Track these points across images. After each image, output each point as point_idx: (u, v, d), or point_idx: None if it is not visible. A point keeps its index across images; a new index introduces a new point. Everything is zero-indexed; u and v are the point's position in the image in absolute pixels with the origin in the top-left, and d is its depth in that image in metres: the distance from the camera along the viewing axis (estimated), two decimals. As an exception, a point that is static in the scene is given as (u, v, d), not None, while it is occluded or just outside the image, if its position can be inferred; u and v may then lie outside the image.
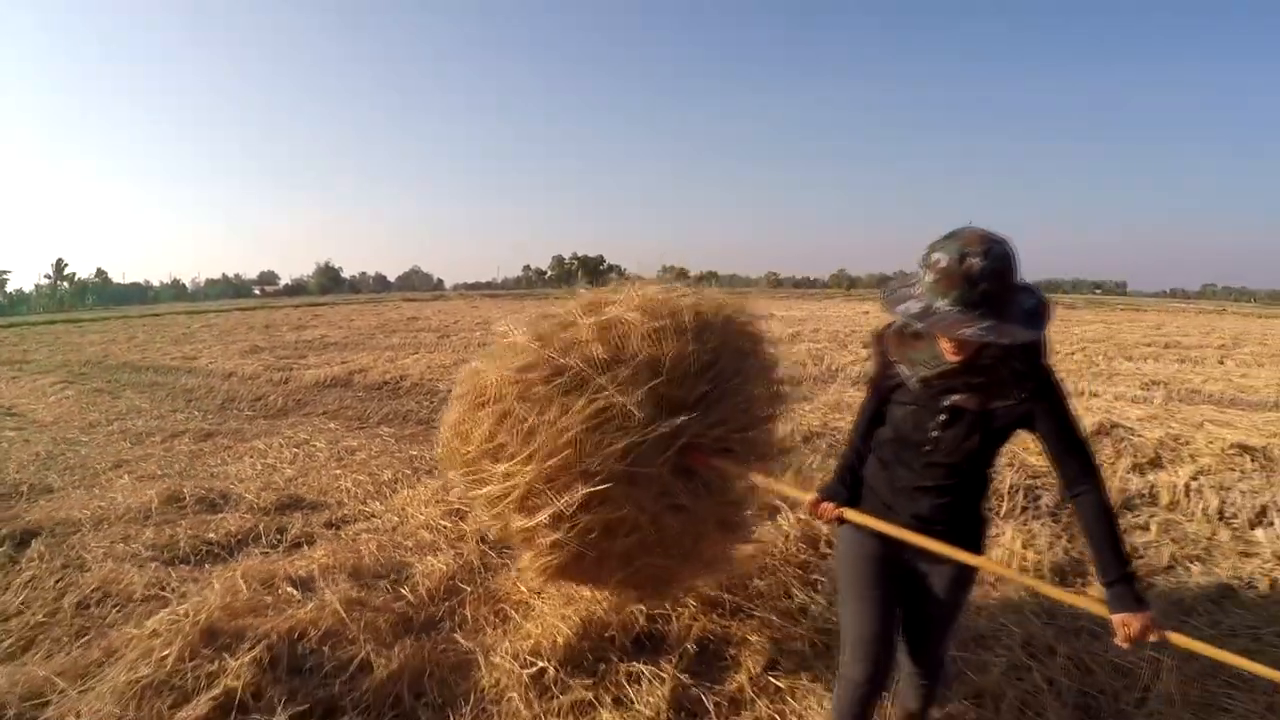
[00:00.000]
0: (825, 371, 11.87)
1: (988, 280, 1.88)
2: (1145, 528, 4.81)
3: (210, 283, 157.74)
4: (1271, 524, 4.85)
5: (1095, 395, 9.51)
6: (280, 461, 7.09)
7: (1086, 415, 7.09)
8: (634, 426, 2.70)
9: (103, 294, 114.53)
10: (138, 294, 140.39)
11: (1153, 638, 1.94)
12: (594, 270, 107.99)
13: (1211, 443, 6.29)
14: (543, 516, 2.73)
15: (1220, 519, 4.96)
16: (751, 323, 3.38)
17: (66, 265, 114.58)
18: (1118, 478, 5.59)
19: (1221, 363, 13.65)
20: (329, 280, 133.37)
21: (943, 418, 2.14)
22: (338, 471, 6.55)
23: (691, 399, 2.86)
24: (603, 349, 2.82)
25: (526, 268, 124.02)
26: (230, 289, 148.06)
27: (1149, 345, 16.68)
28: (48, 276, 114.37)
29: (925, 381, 2.14)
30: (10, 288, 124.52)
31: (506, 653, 3.29)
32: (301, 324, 27.70)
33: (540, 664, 3.20)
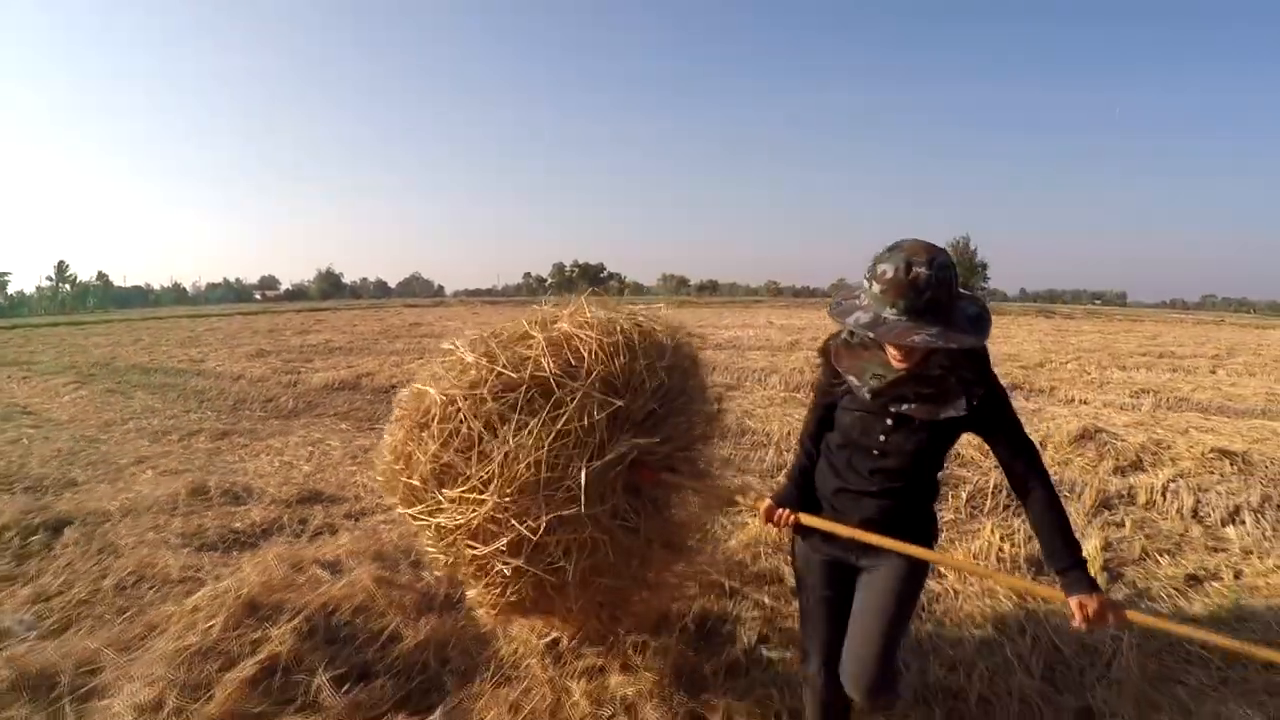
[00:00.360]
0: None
1: (933, 289, 1.96)
2: (1120, 524, 5.03)
3: (211, 286, 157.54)
4: (1243, 522, 5.07)
5: (1085, 403, 9.78)
6: (297, 459, 7.34)
7: (1071, 421, 7.36)
8: (593, 445, 2.65)
9: (104, 297, 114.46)
10: (139, 297, 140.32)
11: (1110, 617, 2.00)
12: (594, 278, 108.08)
13: (1192, 447, 6.56)
14: (501, 544, 2.61)
15: (1194, 517, 5.19)
16: (691, 343, 3.35)
17: (68, 268, 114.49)
18: (1098, 479, 5.83)
19: (1213, 372, 13.83)
20: (330, 285, 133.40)
21: (890, 423, 2.21)
22: (353, 468, 6.83)
23: (640, 416, 2.83)
24: (556, 365, 2.74)
25: (527, 275, 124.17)
26: (231, 293, 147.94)
27: (1143, 355, 16.91)
28: (49, 279, 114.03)
29: (875, 392, 2.21)
30: (11, 289, 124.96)
31: (522, 625, 3.50)
32: (305, 329, 27.68)
33: (554, 634, 3.44)
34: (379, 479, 3.06)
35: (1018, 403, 9.07)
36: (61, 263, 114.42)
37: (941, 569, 4.06)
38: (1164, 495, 5.53)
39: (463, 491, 2.62)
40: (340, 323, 32.92)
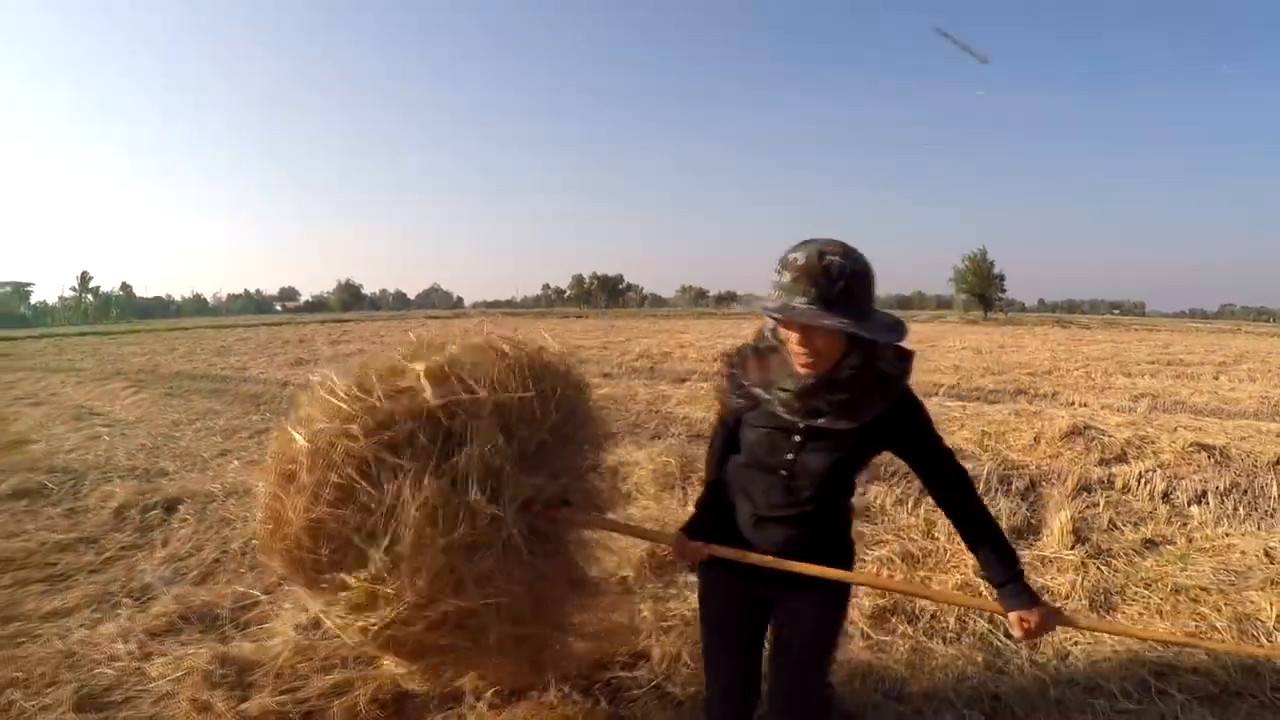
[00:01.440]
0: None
1: (847, 279, 1.84)
2: (1095, 504, 5.66)
3: (232, 298, 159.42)
4: (1208, 503, 5.68)
5: (1084, 405, 10.28)
6: None
7: (1065, 418, 8.01)
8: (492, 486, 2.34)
9: (126, 307, 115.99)
10: (160, 308, 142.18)
11: (1051, 629, 2.03)
12: (613, 289, 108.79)
13: (1174, 442, 7.19)
14: (428, 622, 2.30)
15: (1164, 499, 5.79)
16: (576, 367, 3.04)
17: (91, 278, 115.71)
18: (1081, 468, 6.48)
19: (1216, 378, 14.23)
20: (350, 297, 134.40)
21: (798, 439, 2.07)
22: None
23: (533, 448, 2.54)
24: (441, 395, 2.41)
25: (546, 287, 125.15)
26: (252, 304, 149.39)
27: (1151, 362, 17.43)
28: (73, 289, 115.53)
29: (785, 403, 2.05)
30: (34, 300, 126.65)
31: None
32: (335, 339, 28.69)
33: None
34: (257, 542, 2.63)
35: (1019, 405, 9.77)
36: (85, 273, 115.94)
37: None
38: (1140, 481, 6.13)
39: (368, 574, 2.26)
40: (367, 333, 33.80)
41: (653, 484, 5.99)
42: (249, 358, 20.72)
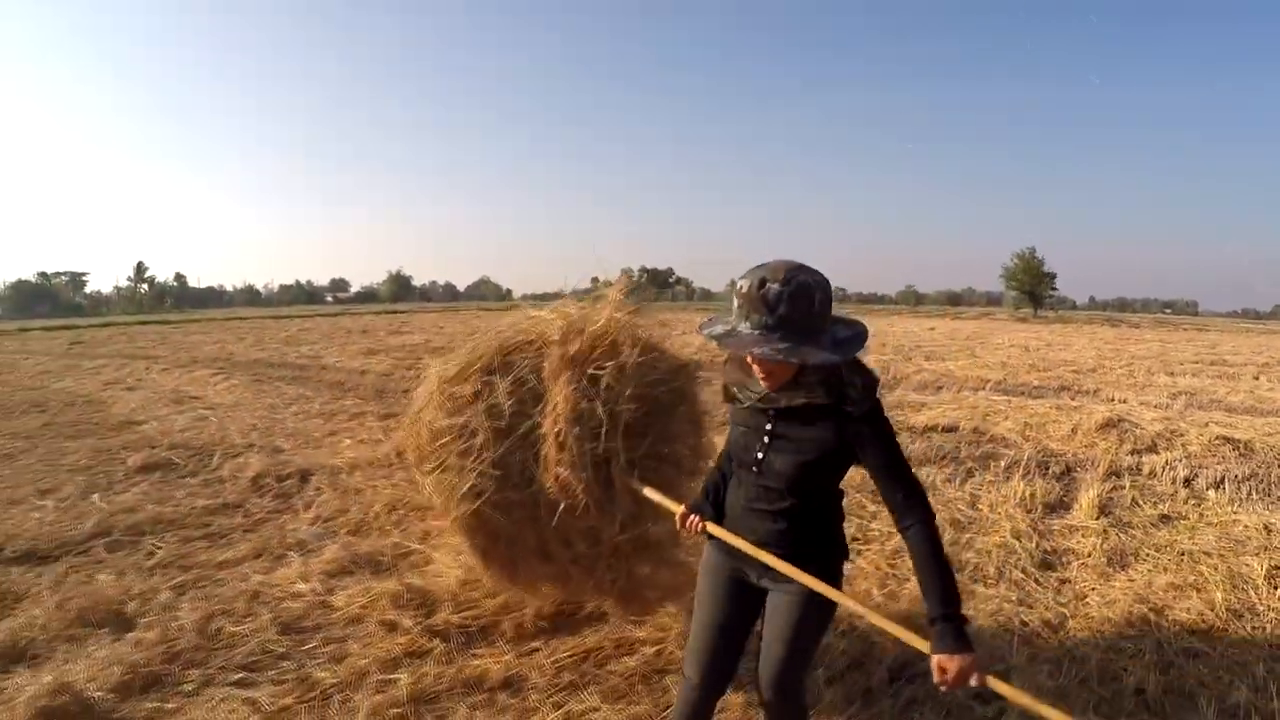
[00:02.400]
0: (890, 379, 13.22)
1: (785, 305, 1.96)
2: (1122, 486, 6.27)
3: (283, 288, 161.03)
4: (1224, 489, 6.28)
5: (1123, 402, 10.81)
6: None
7: (1101, 412, 8.63)
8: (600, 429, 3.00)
9: (180, 297, 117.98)
10: (213, 298, 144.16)
11: (972, 682, 1.88)
12: (662, 283, 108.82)
13: (1201, 435, 7.82)
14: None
15: (1185, 485, 6.39)
16: (692, 370, 3.53)
17: (147, 269, 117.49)
18: (1113, 456, 7.15)
19: (1256, 378, 14.46)
20: (400, 288, 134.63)
21: (765, 441, 2.21)
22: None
23: (630, 419, 3.08)
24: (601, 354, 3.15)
25: (595, 280, 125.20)
26: (303, 294, 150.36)
27: (1195, 362, 17.67)
28: (129, 279, 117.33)
29: (753, 408, 2.23)
30: (88, 289, 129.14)
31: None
32: (395, 330, 29.36)
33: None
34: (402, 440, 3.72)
35: (1061, 400, 10.33)
36: (140, 264, 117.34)
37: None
38: (1165, 468, 6.75)
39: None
40: (425, 324, 34.60)
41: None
42: (320, 346, 21.47)
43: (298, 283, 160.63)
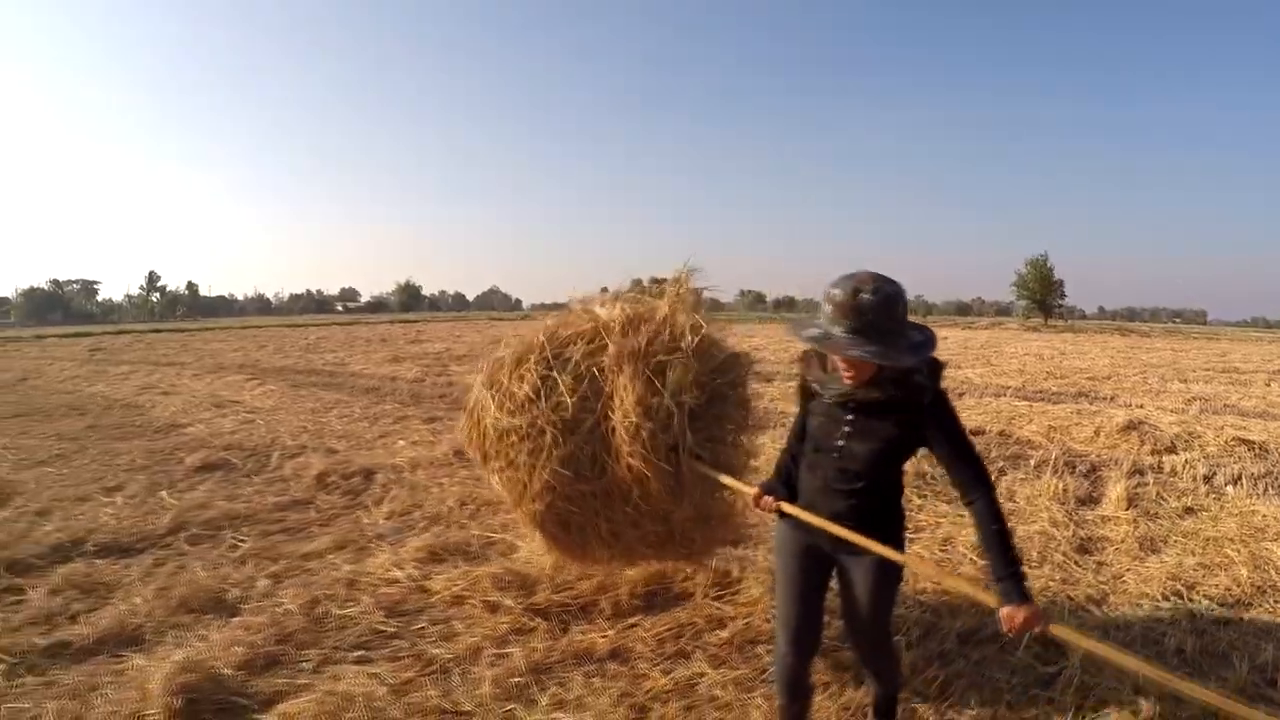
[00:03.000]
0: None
1: (874, 312, 2.22)
2: (1146, 483, 6.59)
3: (294, 297, 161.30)
4: (1242, 485, 6.57)
5: (1140, 407, 11.06)
6: None
7: (1122, 415, 8.94)
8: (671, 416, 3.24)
9: (192, 305, 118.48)
10: (224, 306, 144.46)
11: (1036, 630, 2.18)
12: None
13: (1218, 437, 8.12)
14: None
15: (1205, 481, 6.70)
16: (747, 361, 3.90)
17: (159, 277, 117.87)
18: (1135, 456, 7.50)
19: (1267, 385, 14.68)
20: (410, 298, 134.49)
21: (847, 430, 2.48)
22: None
23: (693, 405, 3.34)
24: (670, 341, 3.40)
25: (604, 289, 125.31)
26: (313, 304, 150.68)
27: (1207, 369, 17.88)
28: (141, 288, 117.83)
29: (834, 399, 2.50)
30: (100, 297, 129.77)
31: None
32: (413, 339, 29.75)
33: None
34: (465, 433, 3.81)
35: (1080, 406, 10.62)
36: (152, 272, 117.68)
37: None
38: (1185, 466, 7.08)
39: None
40: (441, 333, 35.03)
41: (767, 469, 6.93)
42: (343, 354, 21.83)
43: (308, 292, 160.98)
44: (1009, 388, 13.39)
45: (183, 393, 14.00)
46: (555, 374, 3.36)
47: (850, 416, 2.47)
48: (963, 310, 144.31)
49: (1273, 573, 4.54)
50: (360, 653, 3.71)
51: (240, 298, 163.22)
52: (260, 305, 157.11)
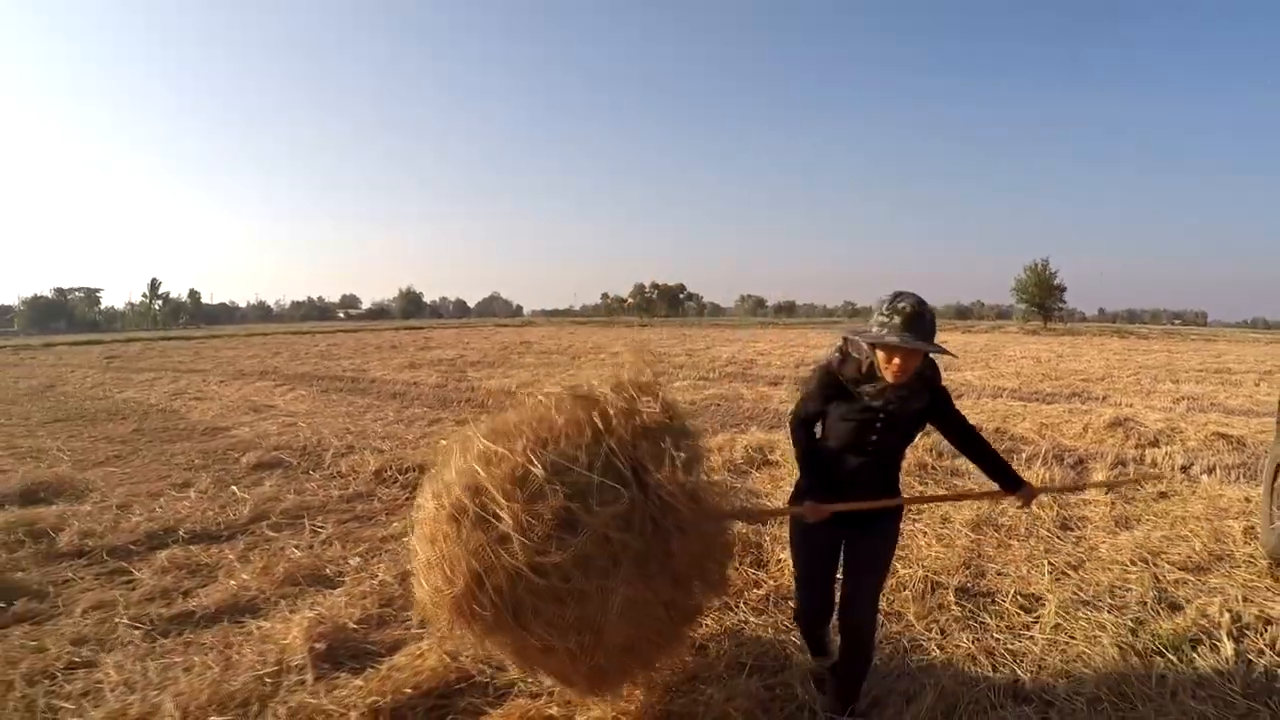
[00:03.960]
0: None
1: (930, 321, 2.75)
2: (1127, 472, 7.30)
3: (295, 305, 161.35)
4: (1216, 473, 7.23)
5: (1130, 406, 11.75)
6: None
7: (1109, 413, 9.63)
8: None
9: (194, 313, 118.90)
10: (226, 314, 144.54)
11: (1042, 497, 3.43)
12: (673, 299, 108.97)
13: (1200, 432, 8.80)
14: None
15: (1182, 470, 7.36)
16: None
17: (161, 285, 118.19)
18: (1119, 449, 8.23)
19: (1256, 385, 15.26)
20: (411, 305, 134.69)
21: (879, 425, 2.93)
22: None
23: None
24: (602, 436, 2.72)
25: (605, 296, 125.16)
26: (314, 311, 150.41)
27: (1200, 370, 18.55)
28: (144, 295, 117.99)
29: (872, 397, 2.89)
30: (103, 305, 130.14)
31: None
32: (423, 345, 30.31)
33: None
34: (418, 596, 2.82)
35: (1072, 405, 11.35)
36: (155, 280, 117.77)
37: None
38: (1165, 457, 7.76)
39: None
40: (449, 339, 35.79)
41: (787, 462, 7.53)
42: (358, 361, 22.49)
43: (309, 299, 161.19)
44: (1006, 389, 14.06)
45: (214, 398, 14.59)
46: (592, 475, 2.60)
47: (882, 415, 2.91)
48: (963, 314, 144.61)
49: (1230, 544, 5.20)
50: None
51: (242, 305, 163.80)
52: (261, 312, 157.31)
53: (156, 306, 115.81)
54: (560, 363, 20.71)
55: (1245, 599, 4.30)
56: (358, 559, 5.28)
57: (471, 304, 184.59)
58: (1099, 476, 6.95)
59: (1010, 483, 3.10)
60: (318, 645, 3.83)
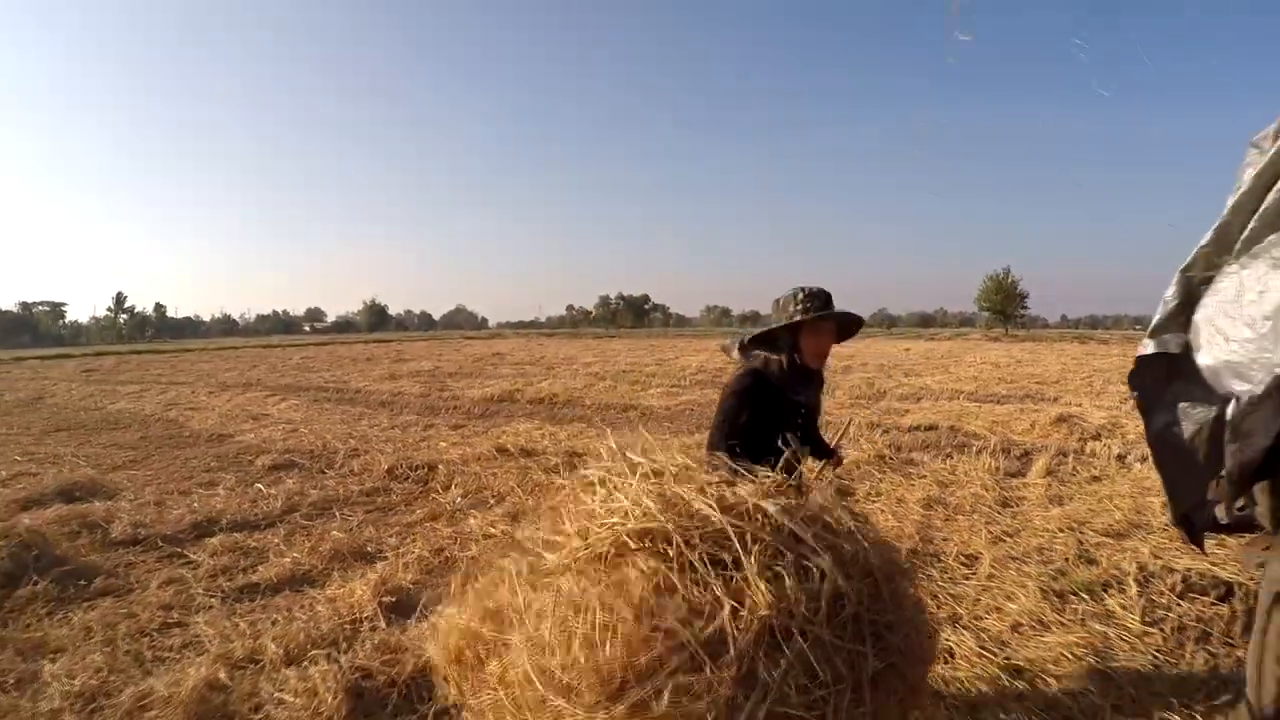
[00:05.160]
0: (876, 392, 15.14)
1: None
2: (1067, 461, 8.04)
3: (260, 318, 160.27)
4: (1148, 461, 7.82)
5: (1078, 405, 12.53)
6: (534, 432, 10.37)
7: (1055, 410, 10.50)
8: None
9: (160, 327, 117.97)
10: (191, 327, 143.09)
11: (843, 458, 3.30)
12: (639, 310, 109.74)
13: (1139, 426, 9.59)
14: None
15: (1118, 460, 8.12)
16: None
17: (126, 298, 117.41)
18: (1062, 442, 9.06)
19: None
20: (376, 318, 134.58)
21: (801, 420, 3.03)
22: (571, 430, 10.22)
23: None
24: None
25: (570, 307, 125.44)
26: (280, 324, 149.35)
27: (1152, 371, 19.34)
28: (109, 309, 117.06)
29: (791, 401, 2.98)
30: (67, 319, 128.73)
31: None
32: (397, 358, 30.71)
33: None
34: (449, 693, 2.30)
35: (1024, 405, 12.18)
36: (120, 294, 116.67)
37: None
38: (1104, 449, 8.54)
39: None
40: (420, 351, 36.33)
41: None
42: (338, 373, 23.05)
43: (275, 313, 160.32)
44: (963, 392, 14.87)
45: (209, 408, 15.06)
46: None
47: (804, 409, 3.07)
48: (925, 321, 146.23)
49: (1149, 516, 5.93)
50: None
51: (206, 319, 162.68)
52: (226, 326, 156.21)
53: (122, 320, 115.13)
54: (536, 372, 21.22)
55: (1155, 556, 5.00)
56: (394, 539, 5.97)
57: (437, 316, 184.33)
58: (1039, 463, 7.74)
59: (834, 452, 3.29)
60: (385, 598, 4.60)
